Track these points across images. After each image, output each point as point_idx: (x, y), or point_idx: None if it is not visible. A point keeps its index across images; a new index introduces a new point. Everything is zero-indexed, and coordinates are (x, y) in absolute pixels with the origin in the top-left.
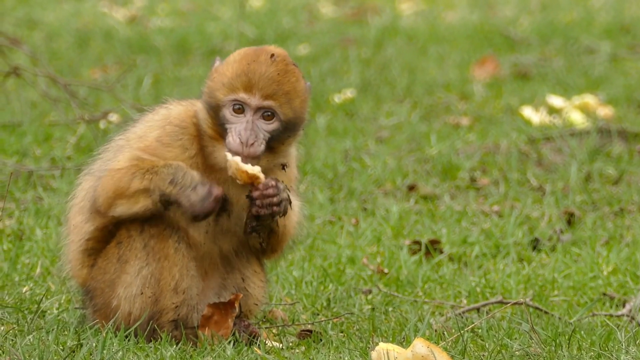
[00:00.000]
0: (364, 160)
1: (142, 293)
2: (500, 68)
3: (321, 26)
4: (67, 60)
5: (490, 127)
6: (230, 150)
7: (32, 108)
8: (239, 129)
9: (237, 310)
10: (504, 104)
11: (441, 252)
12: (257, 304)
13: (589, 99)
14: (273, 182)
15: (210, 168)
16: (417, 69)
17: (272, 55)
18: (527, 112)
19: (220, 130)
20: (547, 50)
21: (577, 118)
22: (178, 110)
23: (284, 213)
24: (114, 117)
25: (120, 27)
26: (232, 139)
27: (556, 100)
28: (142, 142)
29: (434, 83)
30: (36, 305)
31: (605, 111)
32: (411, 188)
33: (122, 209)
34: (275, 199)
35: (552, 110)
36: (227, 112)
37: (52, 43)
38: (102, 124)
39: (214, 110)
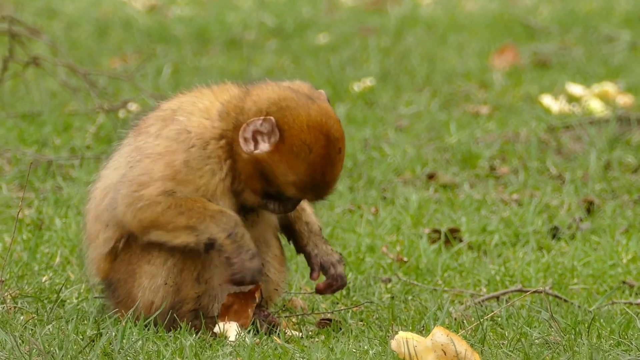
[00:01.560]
0: (384, 149)
1: (165, 283)
2: (519, 57)
3: (341, 15)
4: (87, 50)
5: (509, 115)
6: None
7: (52, 98)
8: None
9: (258, 300)
10: (523, 93)
11: (460, 240)
12: (277, 289)
13: (609, 87)
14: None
15: (233, 192)
16: (436, 58)
17: (340, 149)
18: (547, 100)
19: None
20: (567, 39)
21: (597, 106)
22: (198, 126)
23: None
24: (133, 107)
25: (139, 17)
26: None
27: (576, 89)
28: (170, 167)
29: (454, 72)
30: (56, 295)
31: (624, 99)
32: (431, 177)
33: (158, 237)
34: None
35: (572, 99)
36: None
37: (72, 33)
38: (121, 114)
39: (270, 185)
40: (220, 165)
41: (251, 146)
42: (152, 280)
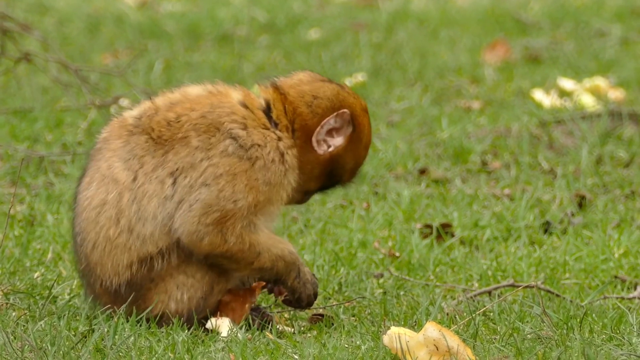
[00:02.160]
0: (375, 144)
1: (202, 297)
2: (511, 51)
3: (332, 10)
4: (78, 46)
5: (501, 110)
6: None
7: (43, 93)
8: None
9: (257, 298)
10: (515, 88)
11: (452, 235)
12: None
13: (600, 82)
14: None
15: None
16: (428, 53)
17: None
18: (538, 95)
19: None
20: (558, 34)
21: (588, 101)
22: (264, 138)
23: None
24: (125, 102)
25: (131, 12)
26: None
27: (567, 83)
28: (253, 191)
29: (445, 67)
30: (48, 291)
31: (616, 94)
32: (422, 172)
33: (219, 262)
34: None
35: (563, 93)
36: None
37: (63, 28)
38: (113, 109)
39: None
40: (294, 175)
41: (325, 146)
42: (185, 291)
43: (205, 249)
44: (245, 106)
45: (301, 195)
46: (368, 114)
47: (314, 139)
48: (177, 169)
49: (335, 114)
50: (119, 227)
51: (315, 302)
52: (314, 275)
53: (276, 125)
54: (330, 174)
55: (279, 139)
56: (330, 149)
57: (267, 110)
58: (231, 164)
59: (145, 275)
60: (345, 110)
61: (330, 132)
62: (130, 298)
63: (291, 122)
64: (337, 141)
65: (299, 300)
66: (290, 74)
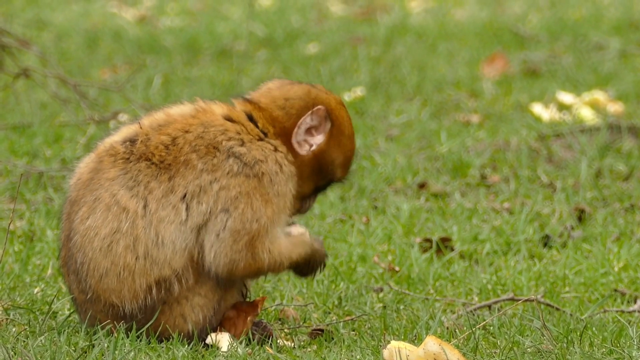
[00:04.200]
0: (374, 158)
1: (212, 315)
2: (509, 65)
3: (330, 25)
4: (77, 61)
5: (500, 124)
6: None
7: (42, 109)
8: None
9: (259, 312)
10: (513, 101)
11: (452, 249)
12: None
13: (599, 95)
14: None
15: None
16: (426, 67)
17: None
18: (537, 109)
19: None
20: (557, 47)
21: (587, 114)
22: (263, 151)
23: None
24: (124, 118)
25: (129, 27)
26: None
27: (566, 97)
28: (270, 205)
29: (444, 81)
30: (47, 306)
31: (615, 107)
32: (422, 186)
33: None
34: None
35: (562, 107)
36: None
37: (62, 44)
38: (112, 125)
39: (323, 176)
40: (293, 182)
41: (306, 146)
42: (199, 311)
43: (241, 273)
44: (233, 120)
45: (299, 202)
46: (344, 106)
47: (293, 141)
48: (187, 193)
49: (310, 112)
50: (136, 254)
51: (315, 316)
52: (326, 254)
53: (265, 134)
54: (320, 173)
55: (275, 149)
56: (313, 148)
57: (253, 122)
58: (241, 183)
59: (162, 297)
60: (319, 106)
61: (309, 131)
62: (143, 319)
63: (275, 127)
64: (318, 139)
65: (303, 276)
66: (258, 86)
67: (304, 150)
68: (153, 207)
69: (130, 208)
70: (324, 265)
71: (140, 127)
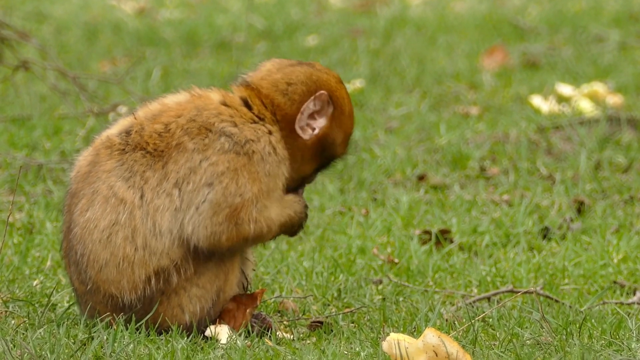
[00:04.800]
0: (374, 150)
1: (211, 306)
2: (509, 57)
3: (330, 17)
4: (76, 54)
5: (499, 116)
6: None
7: (42, 101)
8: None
9: (258, 304)
10: (513, 93)
11: (451, 241)
12: (254, 269)
13: (598, 87)
14: None
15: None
16: (426, 59)
17: None
18: (537, 101)
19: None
20: (556, 39)
21: (587, 106)
22: (256, 132)
23: None
24: (123, 110)
25: (128, 20)
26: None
27: (565, 89)
28: (257, 182)
29: (443, 73)
30: (47, 299)
31: (614, 99)
32: (421, 178)
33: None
34: None
35: (562, 99)
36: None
37: (61, 36)
38: (111, 117)
39: (325, 156)
40: (286, 166)
41: (309, 130)
42: (197, 303)
43: (225, 245)
44: (227, 105)
45: (298, 182)
46: (343, 84)
47: (296, 126)
48: (179, 178)
49: (312, 97)
50: (134, 245)
51: (314, 308)
52: (305, 205)
53: (261, 119)
54: (323, 154)
55: (270, 132)
56: (316, 132)
57: (248, 107)
58: (230, 160)
59: (161, 288)
60: (322, 91)
61: (311, 116)
62: (141, 310)
63: (273, 114)
64: (320, 123)
65: (290, 235)
66: (258, 66)
67: (307, 135)
68: (149, 196)
69: (127, 199)
70: (306, 216)
71: (135, 118)
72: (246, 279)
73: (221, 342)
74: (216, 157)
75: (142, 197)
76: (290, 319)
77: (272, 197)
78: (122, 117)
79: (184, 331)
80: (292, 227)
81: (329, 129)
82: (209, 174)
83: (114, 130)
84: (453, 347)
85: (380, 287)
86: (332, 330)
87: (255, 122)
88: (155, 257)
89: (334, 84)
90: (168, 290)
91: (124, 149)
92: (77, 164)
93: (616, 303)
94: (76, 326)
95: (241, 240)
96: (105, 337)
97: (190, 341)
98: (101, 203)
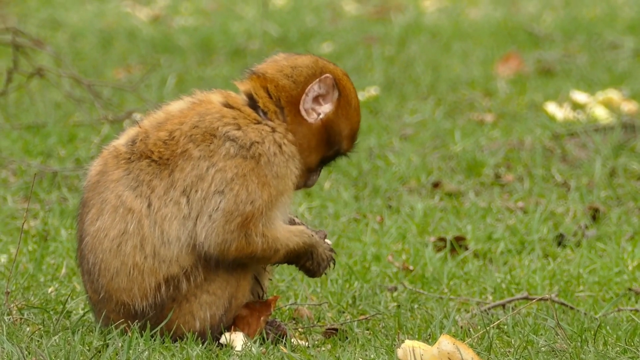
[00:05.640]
0: (389, 157)
1: (224, 313)
2: (524, 64)
3: (344, 24)
4: (91, 61)
5: (514, 123)
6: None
7: (56, 109)
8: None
9: (272, 311)
10: (528, 100)
11: (466, 248)
12: (270, 279)
13: (613, 94)
14: None
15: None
16: (440, 66)
17: None
18: (551, 108)
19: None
20: (571, 46)
21: (601, 113)
22: (260, 133)
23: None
24: (137, 117)
25: (143, 27)
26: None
27: (580, 96)
28: (266, 187)
29: (458, 80)
30: (62, 306)
31: (629, 106)
32: (436, 185)
33: (251, 263)
34: None
35: (576, 106)
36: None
37: (76, 44)
38: (126, 124)
39: (331, 148)
40: (295, 163)
41: (314, 114)
42: (208, 309)
43: (233, 254)
44: (230, 106)
45: (305, 177)
46: (350, 78)
47: (301, 108)
48: (187, 186)
49: (317, 79)
50: (144, 253)
51: (329, 315)
52: (331, 249)
53: (265, 113)
54: (328, 142)
55: (273, 130)
56: (321, 116)
57: (253, 103)
58: (237, 165)
59: (171, 295)
60: (327, 75)
61: (317, 100)
62: (154, 317)
63: (277, 103)
64: (326, 107)
65: (312, 275)
66: (264, 59)
67: (312, 119)
68: (156, 205)
69: (135, 208)
70: (334, 262)
71: (140, 127)
72: (262, 288)
73: (236, 349)
74: (223, 163)
75: (149, 205)
76: (305, 326)
77: (281, 204)
78: (129, 127)
79: (199, 338)
80: (305, 257)
81: (334, 115)
82: (217, 181)
83: (121, 140)
84: (468, 354)
85: (395, 294)
86: (347, 338)
87: (258, 123)
88: (165, 265)
89: (340, 74)
90: (179, 297)
91: (129, 158)
92: (89, 173)
93: (631, 310)
94: (91, 333)
95: (249, 253)
96: (120, 345)
97: (205, 348)
98: (110, 212)
